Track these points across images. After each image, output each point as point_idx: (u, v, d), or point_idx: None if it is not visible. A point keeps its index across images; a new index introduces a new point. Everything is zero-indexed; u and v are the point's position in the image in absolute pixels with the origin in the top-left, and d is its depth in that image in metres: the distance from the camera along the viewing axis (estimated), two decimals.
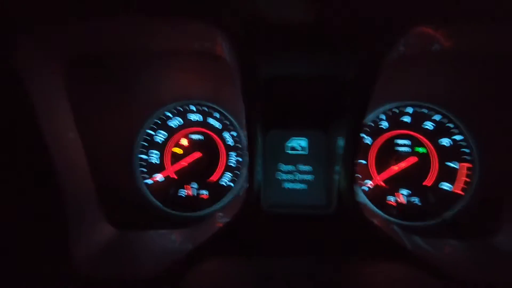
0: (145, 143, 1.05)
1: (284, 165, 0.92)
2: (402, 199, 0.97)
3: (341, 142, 0.78)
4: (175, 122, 1.06)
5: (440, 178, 0.96)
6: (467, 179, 0.94)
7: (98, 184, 0.81)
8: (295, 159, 0.92)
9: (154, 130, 1.05)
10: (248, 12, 0.55)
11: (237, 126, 1.05)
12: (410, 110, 1.00)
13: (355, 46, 0.63)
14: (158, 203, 1.03)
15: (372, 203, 0.99)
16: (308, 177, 0.91)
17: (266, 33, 0.60)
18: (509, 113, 0.80)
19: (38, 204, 0.67)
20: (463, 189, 0.94)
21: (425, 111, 0.99)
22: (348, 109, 0.75)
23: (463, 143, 0.96)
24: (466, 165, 0.95)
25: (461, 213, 0.93)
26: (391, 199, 0.98)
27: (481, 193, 0.91)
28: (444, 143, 0.97)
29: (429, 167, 0.98)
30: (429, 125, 0.98)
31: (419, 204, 0.96)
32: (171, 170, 1.04)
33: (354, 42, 0.62)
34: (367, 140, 1.01)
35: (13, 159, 0.65)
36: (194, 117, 1.06)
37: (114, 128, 0.92)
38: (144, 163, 1.04)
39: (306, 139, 0.93)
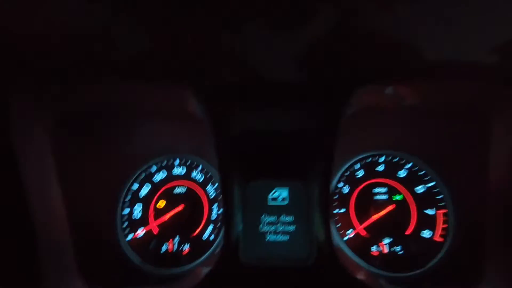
0: (128, 198, 1.06)
1: (267, 216, 0.93)
2: (384, 249, 0.96)
3: (316, 192, 0.81)
4: (159, 176, 1.09)
5: (420, 225, 0.97)
6: (445, 225, 0.95)
7: (77, 237, 0.81)
8: (277, 210, 0.93)
9: (139, 185, 1.08)
10: (216, 74, 0.63)
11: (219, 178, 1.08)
12: (383, 159, 1.05)
13: (316, 103, 0.71)
14: (138, 260, 1.01)
15: (356, 253, 0.97)
16: (290, 228, 0.92)
17: (235, 92, 0.67)
18: (473, 158, 0.85)
19: (12, 250, 0.67)
20: (442, 236, 0.95)
21: (397, 160, 1.04)
22: (318, 160, 0.79)
23: (436, 190, 0.99)
24: (442, 211, 0.97)
25: (443, 261, 0.91)
26: (373, 249, 0.97)
27: (460, 240, 0.91)
28: (419, 191, 1.00)
29: (409, 215, 0.99)
30: (402, 173, 1.03)
31: (402, 253, 0.95)
32: (154, 225, 1.04)
33: (315, 99, 0.70)
34: (345, 189, 1.03)
35: None
36: (178, 170, 1.10)
37: (98, 182, 0.95)
38: (126, 217, 1.05)
39: (287, 189, 0.95)
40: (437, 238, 0.95)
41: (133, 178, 1.08)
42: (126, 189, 1.06)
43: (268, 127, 0.85)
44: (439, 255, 0.93)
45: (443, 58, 0.60)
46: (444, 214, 0.96)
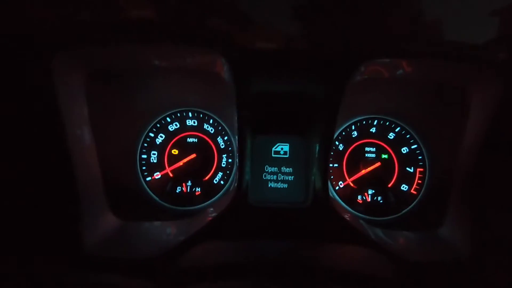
0: (146, 145, 1.17)
1: (269, 167, 1.07)
2: (368, 198, 1.14)
3: (316, 147, 0.94)
4: (173, 126, 1.19)
5: (400, 180, 1.14)
6: (420, 181, 1.13)
7: (105, 179, 0.93)
8: (278, 162, 1.07)
9: (155, 133, 1.18)
10: (245, 44, 0.71)
11: (228, 131, 1.19)
12: (375, 122, 1.17)
13: (325, 71, 0.80)
14: (156, 198, 1.16)
15: (343, 200, 1.15)
16: (289, 177, 1.06)
17: (258, 60, 0.75)
18: (451, 127, 0.98)
19: (56, 194, 0.79)
20: (416, 190, 1.13)
21: (387, 123, 1.17)
22: (321, 120, 0.91)
23: (418, 151, 1.14)
24: (420, 169, 1.13)
25: (414, 210, 1.11)
26: (359, 198, 1.15)
27: (430, 193, 1.09)
28: (404, 151, 1.16)
29: (392, 171, 1.15)
30: (391, 135, 1.17)
31: (382, 202, 1.14)
32: (169, 169, 1.17)
33: (325, 68, 0.79)
34: (340, 146, 1.18)
35: (38, 153, 0.77)
36: (191, 122, 1.20)
37: (121, 131, 1.04)
38: (144, 162, 1.17)
39: (288, 144, 1.08)
40: (412, 191, 1.13)
41: (150, 127, 1.18)
42: (143, 137, 1.17)
43: (280, 89, 0.94)
44: (412, 205, 1.12)
45: (436, 41, 0.69)
46: (420, 172, 1.13)
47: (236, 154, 0.94)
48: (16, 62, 0.70)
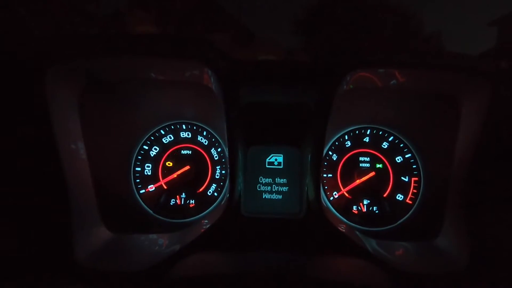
0: (140, 157, 1.18)
1: (263, 178, 1.06)
2: (363, 208, 1.13)
3: (309, 158, 0.94)
4: (167, 138, 1.20)
5: (395, 190, 1.13)
6: (415, 191, 1.12)
7: (98, 192, 0.93)
8: (273, 173, 1.07)
9: (149, 146, 1.19)
10: (232, 55, 0.72)
11: (222, 143, 1.20)
12: (368, 131, 1.18)
13: (314, 82, 0.81)
14: (150, 211, 1.15)
15: (338, 211, 1.14)
16: (284, 188, 1.06)
17: (246, 71, 0.76)
18: (444, 135, 0.98)
19: (48, 206, 0.79)
20: (411, 199, 1.12)
21: (381, 133, 1.17)
22: (312, 130, 0.91)
23: (412, 160, 1.14)
24: (414, 179, 1.13)
25: (409, 219, 1.09)
26: (354, 208, 1.14)
27: (425, 203, 1.08)
28: (398, 160, 1.15)
29: (387, 181, 1.15)
30: (385, 144, 1.16)
31: (377, 212, 1.12)
32: (163, 181, 1.17)
33: (313, 79, 0.80)
34: (334, 156, 1.17)
35: (28, 165, 0.77)
36: (184, 134, 1.21)
37: (115, 143, 1.05)
38: (138, 175, 1.17)
39: (282, 155, 1.08)
40: (408, 200, 1.12)
41: (144, 139, 1.18)
42: (138, 149, 1.17)
43: (270, 100, 0.95)
44: (407, 215, 1.11)
45: (427, 51, 0.70)
46: (415, 181, 1.13)
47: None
48: (10, 76, 0.71)
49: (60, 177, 0.78)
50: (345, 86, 0.84)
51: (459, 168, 0.90)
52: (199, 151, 1.20)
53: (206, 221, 1.01)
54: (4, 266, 0.76)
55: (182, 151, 1.20)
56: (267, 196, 1.06)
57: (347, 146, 1.18)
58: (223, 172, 1.19)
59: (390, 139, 1.16)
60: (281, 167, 1.07)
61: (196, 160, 1.18)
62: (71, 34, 0.67)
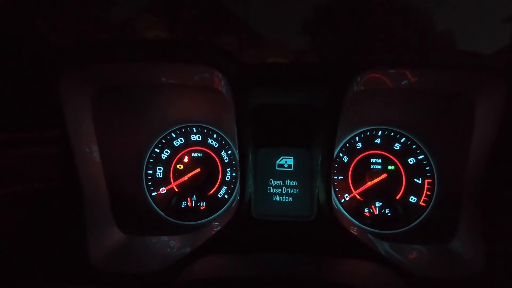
0: (152, 160, 1.19)
1: (274, 181, 1.06)
2: (375, 210, 1.12)
3: (320, 160, 0.94)
4: (178, 141, 1.21)
5: (408, 192, 1.11)
6: (429, 193, 1.10)
7: (111, 194, 0.95)
8: (283, 175, 1.06)
9: (160, 149, 1.20)
10: (241, 58, 0.73)
11: (232, 145, 1.21)
12: (379, 133, 1.16)
13: (324, 83, 0.81)
14: (162, 213, 1.17)
15: (349, 213, 1.13)
16: (294, 191, 1.05)
17: (256, 73, 0.77)
18: (458, 136, 0.96)
19: (62, 209, 0.81)
20: (425, 201, 1.09)
21: (392, 134, 1.15)
22: (322, 131, 0.91)
23: (425, 162, 1.11)
24: (428, 180, 1.10)
25: (423, 222, 1.07)
26: (366, 210, 1.13)
27: (439, 205, 1.06)
28: (410, 162, 1.13)
29: (400, 182, 1.13)
30: (397, 146, 1.15)
31: (390, 214, 1.11)
32: (174, 184, 1.18)
33: (323, 80, 0.80)
34: (345, 158, 1.16)
35: (44, 169, 0.80)
36: (195, 137, 1.22)
37: (127, 146, 1.07)
38: (150, 178, 1.19)
39: (292, 157, 1.08)
40: (421, 203, 1.10)
41: (155, 142, 1.20)
42: (149, 152, 1.19)
43: (280, 102, 0.95)
44: (421, 217, 1.09)
45: (439, 50, 0.69)
46: (429, 183, 1.10)
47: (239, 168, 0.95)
48: (26, 82, 0.74)
49: (75, 179, 0.80)
50: (356, 88, 0.83)
51: (474, 169, 0.88)
52: (210, 153, 1.21)
53: (217, 223, 1.01)
54: (19, 268, 0.78)
55: (193, 153, 1.21)
56: (277, 198, 1.05)
57: (358, 147, 1.17)
58: (234, 174, 1.20)
59: (402, 140, 1.15)
60: (291, 169, 1.07)
61: (207, 163, 1.19)
62: (86, 41, 0.69)
